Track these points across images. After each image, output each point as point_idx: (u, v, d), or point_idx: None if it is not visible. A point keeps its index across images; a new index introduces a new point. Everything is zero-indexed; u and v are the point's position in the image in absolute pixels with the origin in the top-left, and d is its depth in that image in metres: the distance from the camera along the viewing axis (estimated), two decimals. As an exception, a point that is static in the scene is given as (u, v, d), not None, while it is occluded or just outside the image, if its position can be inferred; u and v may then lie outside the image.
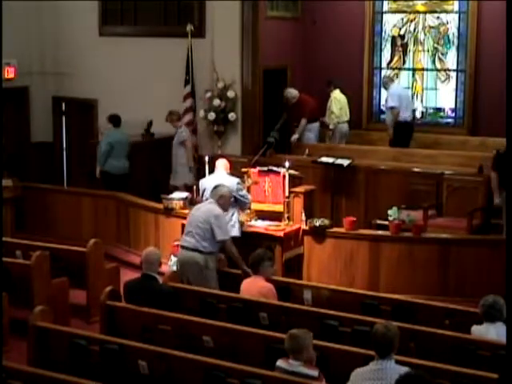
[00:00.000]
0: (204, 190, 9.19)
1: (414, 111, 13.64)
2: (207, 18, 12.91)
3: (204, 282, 8.09)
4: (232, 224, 8.96)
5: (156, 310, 7.00)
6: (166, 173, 12.13)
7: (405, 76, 14.19)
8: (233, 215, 9.02)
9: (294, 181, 9.78)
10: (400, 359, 5.59)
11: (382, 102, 14.26)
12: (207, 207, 8.48)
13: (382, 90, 14.23)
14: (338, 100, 13.32)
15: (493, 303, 6.46)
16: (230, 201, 8.60)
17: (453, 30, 13.67)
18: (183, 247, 8.38)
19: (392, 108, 13.00)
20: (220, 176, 9.24)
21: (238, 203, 9.10)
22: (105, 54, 13.79)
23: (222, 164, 9.46)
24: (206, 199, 8.88)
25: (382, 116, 14.27)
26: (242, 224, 9.33)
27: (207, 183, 9.20)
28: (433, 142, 13.29)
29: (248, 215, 9.55)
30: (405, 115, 13.05)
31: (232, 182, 9.09)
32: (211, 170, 9.57)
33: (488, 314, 6.49)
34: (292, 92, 13.23)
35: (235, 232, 9.00)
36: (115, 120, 12.09)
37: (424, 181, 11.29)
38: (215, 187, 8.58)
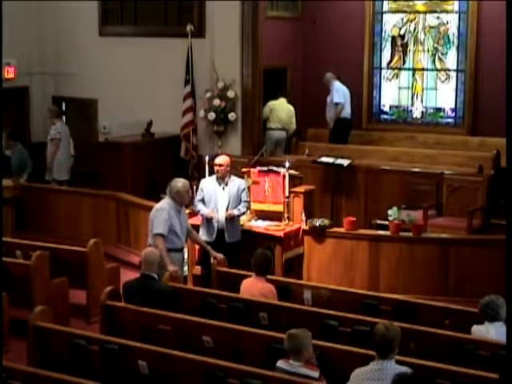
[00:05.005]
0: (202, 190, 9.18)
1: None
2: (207, 18, 12.92)
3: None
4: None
5: (156, 310, 7.00)
6: (166, 173, 12.11)
7: (405, 76, 14.19)
8: None
9: (294, 181, 9.78)
10: (400, 359, 5.60)
11: (383, 101, 14.31)
12: (156, 204, 8.51)
13: (383, 90, 14.28)
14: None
15: (488, 302, 6.46)
16: (187, 194, 8.41)
17: (453, 30, 13.66)
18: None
19: (337, 104, 13.26)
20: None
21: None
22: (105, 54, 13.80)
23: None
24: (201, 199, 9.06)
25: (382, 116, 14.33)
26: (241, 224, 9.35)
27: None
28: (433, 141, 13.31)
29: (248, 215, 9.55)
30: (345, 113, 13.34)
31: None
32: (211, 170, 9.53)
33: (484, 312, 6.49)
34: None
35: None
36: (16, 135, 12.59)
37: (424, 181, 11.30)
38: (169, 183, 8.45)
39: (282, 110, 13.31)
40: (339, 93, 13.30)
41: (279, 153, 13.03)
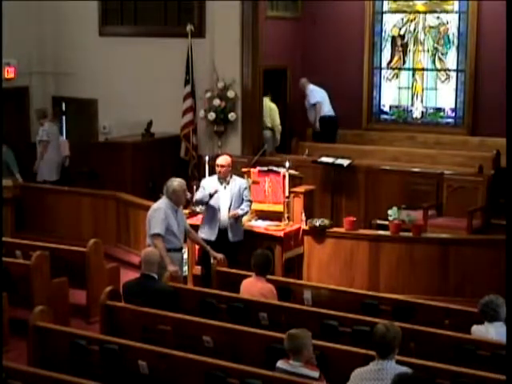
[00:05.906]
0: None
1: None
2: (207, 18, 12.92)
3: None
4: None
5: (156, 310, 7.00)
6: (166, 173, 12.10)
7: (405, 76, 14.19)
8: None
9: (294, 181, 9.78)
10: (400, 359, 5.59)
11: (383, 101, 14.31)
12: (153, 204, 8.48)
13: (383, 90, 14.27)
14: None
15: (488, 302, 6.45)
16: (183, 194, 8.38)
17: (453, 30, 13.67)
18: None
19: (315, 104, 13.49)
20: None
21: None
22: (105, 54, 13.79)
23: None
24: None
25: (382, 116, 14.33)
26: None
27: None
28: (433, 141, 13.32)
29: (248, 215, 9.54)
30: (327, 111, 13.52)
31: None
32: (211, 170, 9.53)
33: (483, 312, 6.49)
34: None
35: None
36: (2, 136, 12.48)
37: (424, 181, 11.30)
38: (165, 183, 8.42)
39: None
40: (314, 94, 13.55)
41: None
